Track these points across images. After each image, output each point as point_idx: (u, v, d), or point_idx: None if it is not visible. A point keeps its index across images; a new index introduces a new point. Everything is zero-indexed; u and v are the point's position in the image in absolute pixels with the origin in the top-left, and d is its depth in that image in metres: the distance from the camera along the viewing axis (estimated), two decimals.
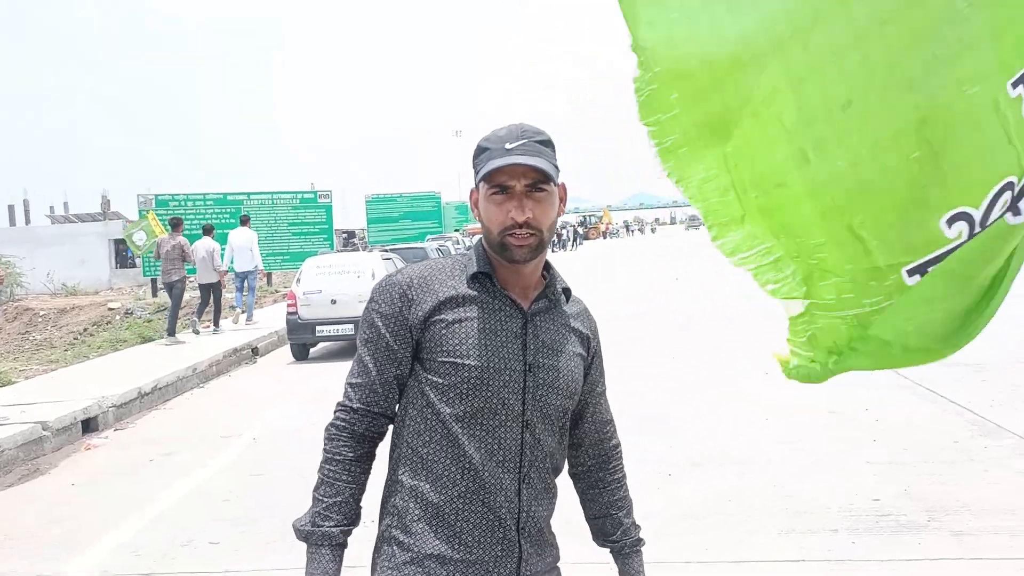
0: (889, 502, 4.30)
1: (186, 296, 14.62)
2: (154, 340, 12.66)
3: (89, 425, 7.39)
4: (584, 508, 1.76)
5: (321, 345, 11.82)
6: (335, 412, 1.57)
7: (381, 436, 1.58)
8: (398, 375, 1.55)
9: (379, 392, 1.54)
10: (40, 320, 17.31)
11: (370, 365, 1.55)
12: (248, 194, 23.16)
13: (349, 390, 1.57)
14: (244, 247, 14.40)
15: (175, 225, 13.14)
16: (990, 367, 7.33)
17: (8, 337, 15.95)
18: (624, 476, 1.76)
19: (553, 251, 45.65)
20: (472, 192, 1.57)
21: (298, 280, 11.53)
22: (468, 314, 1.51)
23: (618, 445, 1.77)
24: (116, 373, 9.47)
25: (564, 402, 1.57)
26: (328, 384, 9.08)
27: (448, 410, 1.50)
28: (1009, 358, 7.66)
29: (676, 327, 11.36)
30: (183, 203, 21.98)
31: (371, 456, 1.58)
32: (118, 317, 16.94)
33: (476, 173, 1.51)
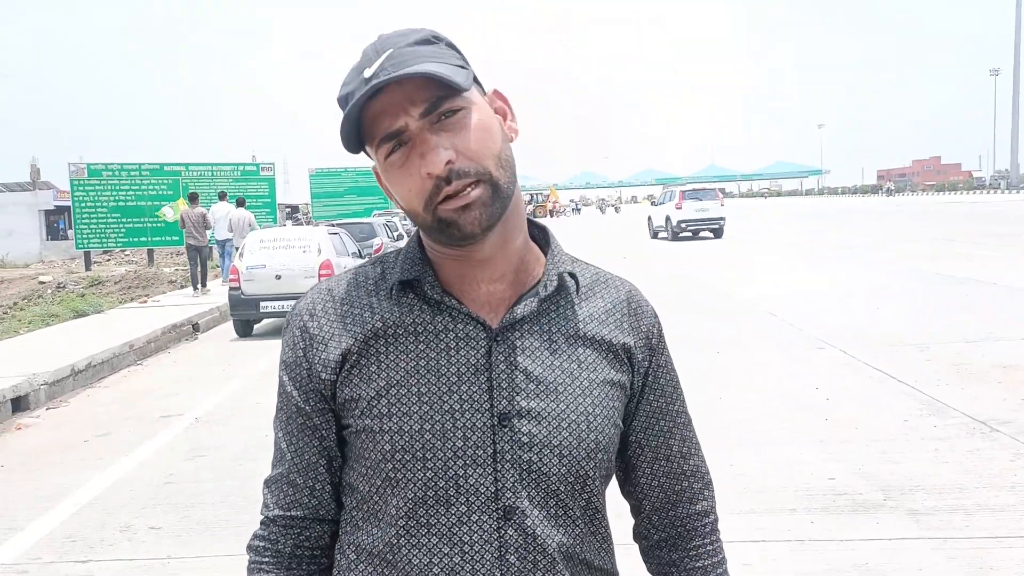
0: (844, 481, 4.32)
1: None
2: (88, 315, 12.17)
3: (19, 404, 7.07)
4: None
5: (266, 321, 11.52)
6: (255, 530, 1.06)
7: (324, 553, 1.04)
8: (326, 455, 1.01)
9: (300, 485, 1.01)
10: None
11: (283, 445, 1.03)
12: (187, 165, 22.49)
13: (265, 491, 1.05)
14: (222, 218, 15.68)
15: (193, 199, 15.17)
16: (934, 346, 7.49)
17: None
18: (718, 565, 1.11)
19: None
20: (375, 172, 1.01)
21: (241, 255, 11.19)
22: (389, 349, 0.97)
23: (708, 512, 1.13)
24: (48, 349, 9.06)
25: (580, 467, 0.97)
26: (274, 362, 8.84)
27: (380, 505, 0.97)
28: (953, 336, 7.85)
29: None
30: (117, 172, 21.22)
31: None
32: (49, 291, 16.26)
33: (349, 139, 0.95)
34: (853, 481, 4.31)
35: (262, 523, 1.04)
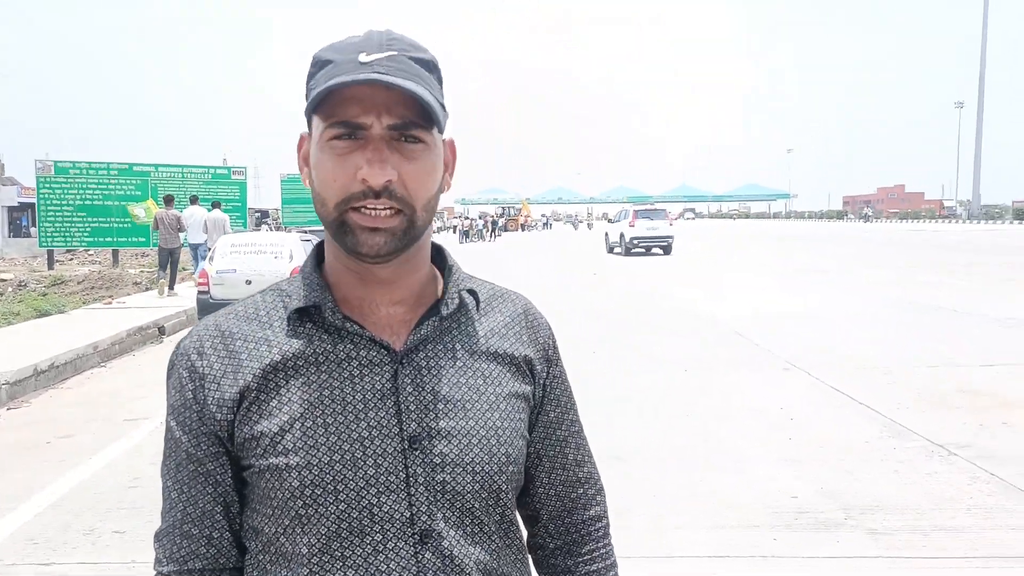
0: (807, 499, 4.40)
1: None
2: (51, 315, 11.96)
3: None
4: None
5: None
6: None
7: None
8: (222, 501, 0.96)
9: (195, 535, 0.96)
10: None
11: (174, 495, 0.97)
12: (156, 165, 22.22)
13: (156, 546, 0.99)
14: (196, 222, 15.96)
15: (168, 201, 15.58)
16: (898, 371, 7.67)
17: None
18: (611, 567, 1.14)
19: (472, 240, 46.23)
20: (301, 139, 0.99)
21: (211, 259, 11.09)
22: (290, 382, 0.94)
23: (600, 518, 1.14)
24: (9, 349, 8.89)
25: (492, 480, 0.97)
26: None
27: (288, 546, 0.93)
28: (917, 362, 8.03)
29: (597, 322, 11.45)
30: (84, 171, 20.90)
31: None
32: (10, 289, 15.94)
33: (308, 102, 0.91)
34: (816, 500, 4.40)
35: None
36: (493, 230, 50.51)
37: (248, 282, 10.57)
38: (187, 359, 0.97)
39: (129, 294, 15.39)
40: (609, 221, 34.29)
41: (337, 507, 0.91)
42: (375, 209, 0.89)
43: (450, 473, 0.94)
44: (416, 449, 0.93)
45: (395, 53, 0.90)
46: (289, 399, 0.93)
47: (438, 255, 1.05)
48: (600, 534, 1.13)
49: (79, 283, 16.78)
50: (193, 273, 16.62)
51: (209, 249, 13.41)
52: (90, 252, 26.17)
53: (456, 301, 1.01)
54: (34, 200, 21.53)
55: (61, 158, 21.10)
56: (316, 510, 0.91)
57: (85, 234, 20.97)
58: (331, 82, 0.87)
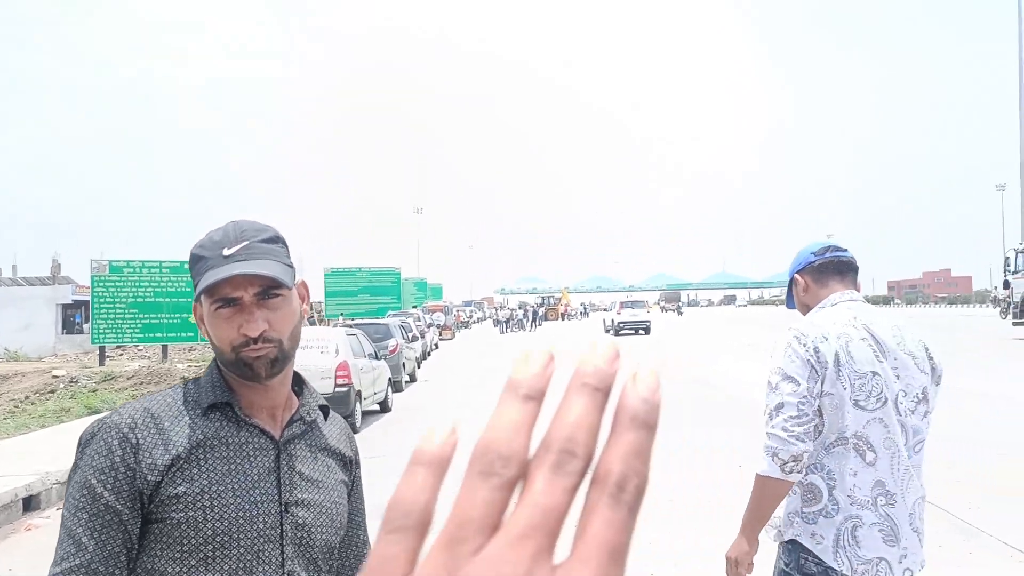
0: None
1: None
2: (101, 411, 12.12)
3: (31, 503, 6.96)
4: None
5: None
6: None
7: None
8: (126, 546, 1.21)
9: (101, 573, 1.18)
10: None
11: (84, 539, 1.18)
12: None
13: None
14: None
15: None
16: (959, 463, 7.34)
17: None
18: None
19: (512, 330, 46.20)
20: (195, 306, 1.33)
21: None
22: (208, 455, 1.25)
23: None
24: (60, 446, 8.98)
25: (331, 539, 1.36)
26: None
27: None
28: (982, 454, 7.68)
29: None
30: (138, 270, 21.54)
31: None
32: (62, 385, 16.26)
33: (195, 286, 1.29)
34: None
35: None
36: (533, 320, 50.58)
37: None
38: (118, 431, 1.23)
39: None
40: (604, 311, 45.33)
41: (238, 551, 1.23)
42: (257, 348, 1.25)
43: (306, 532, 1.31)
44: (288, 512, 1.29)
45: (248, 243, 1.28)
46: (207, 468, 1.24)
47: (297, 378, 1.41)
48: None
49: (129, 378, 17.07)
50: None
51: None
52: (139, 347, 26.72)
53: (316, 412, 1.41)
54: (88, 297, 22.17)
55: (113, 255, 21.83)
56: (223, 552, 1.22)
57: (136, 330, 21.45)
58: (212, 278, 1.23)
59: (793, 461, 2.07)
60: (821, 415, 2.11)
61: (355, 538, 1.48)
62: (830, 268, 2.37)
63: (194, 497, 1.21)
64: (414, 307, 35.06)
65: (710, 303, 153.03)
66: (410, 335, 19.82)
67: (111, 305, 21.10)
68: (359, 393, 11.10)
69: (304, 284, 1.38)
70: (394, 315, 25.46)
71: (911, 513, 2.13)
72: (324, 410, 1.43)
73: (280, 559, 1.27)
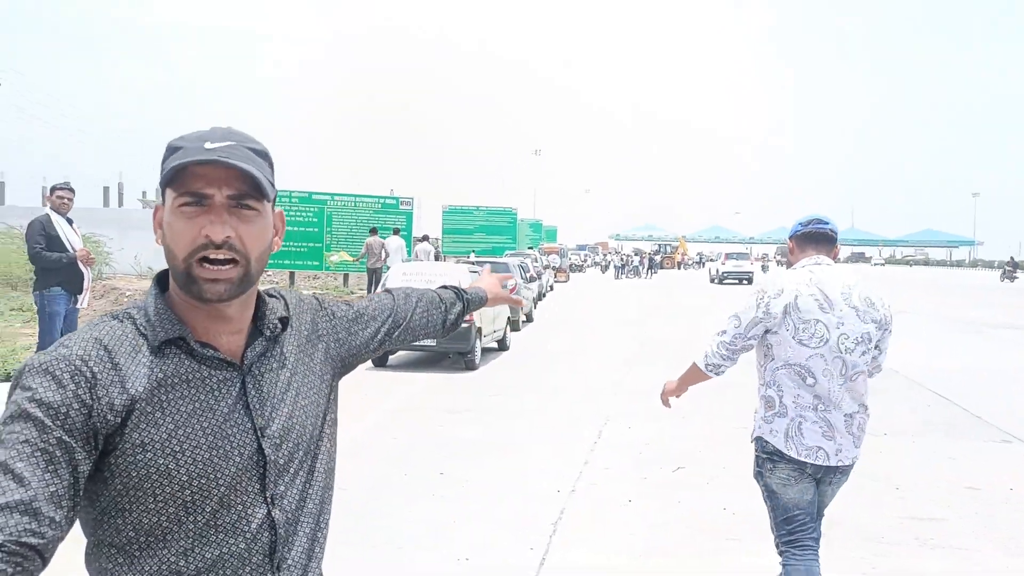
0: None
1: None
2: None
3: None
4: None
5: (400, 353, 11.61)
6: None
7: None
8: (73, 490, 1.06)
9: (43, 514, 1.02)
10: (126, 300, 17.64)
11: (27, 474, 1.02)
12: (332, 195, 23.40)
13: None
14: (396, 250, 19.13)
15: (373, 231, 19.67)
16: None
17: (95, 314, 16.26)
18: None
19: (627, 276, 45.66)
20: (156, 209, 1.20)
21: (383, 286, 11.36)
22: (170, 396, 1.14)
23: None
24: None
25: (308, 447, 1.28)
26: (408, 395, 8.83)
27: (170, 528, 1.13)
28: None
29: None
30: (277, 195, 22.21)
31: None
32: None
33: (161, 178, 1.15)
34: None
35: None
36: (650, 267, 49.71)
37: None
38: (69, 363, 1.09)
39: None
40: (710, 261, 52.52)
41: (219, 491, 1.15)
42: (217, 261, 1.12)
43: (284, 448, 1.23)
44: (264, 436, 1.21)
45: (234, 143, 1.15)
46: (171, 410, 1.14)
47: (257, 300, 1.28)
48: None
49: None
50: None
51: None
52: (268, 272, 27.91)
53: (275, 326, 1.28)
54: None
55: None
56: (202, 496, 1.14)
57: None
58: (183, 160, 1.11)
59: (714, 367, 3.12)
60: (771, 347, 2.98)
61: (406, 317, 1.62)
62: (809, 238, 3.14)
63: (162, 443, 1.12)
64: (530, 247, 34.99)
65: (836, 259, 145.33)
66: (527, 275, 19.75)
67: None
68: (479, 330, 11.08)
69: (281, 215, 1.28)
70: (512, 255, 25.45)
71: (846, 421, 2.94)
72: (284, 322, 1.31)
73: (260, 486, 1.20)
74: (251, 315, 1.26)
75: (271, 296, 1.33)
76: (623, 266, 47.54)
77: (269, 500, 1.21)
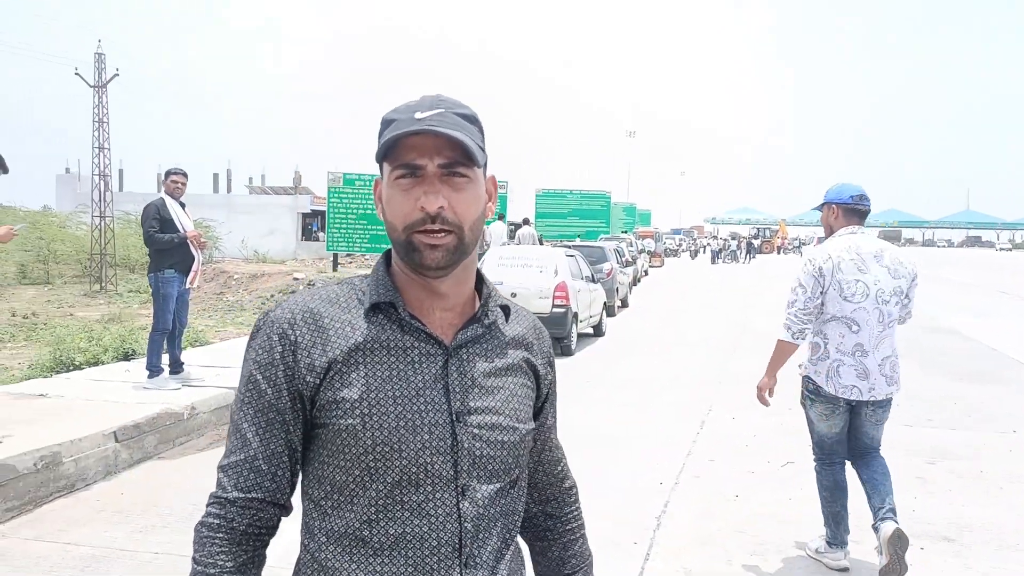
0: None
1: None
2: None
3: None
4: (534, 565, 1.45)
5: None
6: (207, 507, 1.18)
7: (271, 532, 1.20)
8: (289, 446, 1.17)
9: (264, 471, 1.16)
10: (234, 283, 18.35)
11: (249, 435, 1.16)
12: None
13: (221, 475, 1.18)
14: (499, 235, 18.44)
15: None
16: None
17: (205, 296, 16.98)
18: (582, 526, 1.46)
19: (724, 261, 44.53)
20: (376, 183, 1.23)
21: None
22: (368, 360, 1.16)
23: (573, 487, 1.47)
24: None
25: (513, 450, 1.22)
26: None
27: (357, 491, 1.15)
28: None
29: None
30: (369, 183, 22.62)
31: (259, 562, 1.19)
32: (302, 287, 17.65)
33: (377, 152, 1.17)
34: None
35: (217, 503, 1.16)
36: (748, 252, 48.34)
37: (513, 295, 10.68)
38: (279, 327, 1.16)
39: None
40: (804, 245, 55.73)
41: (400, 462, 1.13)
42: (432, 231, 1.13)
43: (484, 442, 1.18)
44: (460, 422, 1.17)
45: (443, 111, 1.15)
46: (366, 373, 1.15)
47: (478, 276, 1.27)
48: (574, 499, 1.46)
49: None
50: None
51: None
52: (366, 257, 28.50)
53: (495, 313, 1.25)
54: (323, 208, 23.74)
55: (349, 170, 23.15)
56: (384, 464, 1.13)
57: (364, 240, 22.74)
58: (394, 133, 1.12)
59: (799, 332, 3.74)
60: (823, 304, 3.69)
61: (545, 447, 1.40)
62: (855, 212, 3.82)
63: (352, 404, 1.14)
64: (624, 232, 34.54)
65: (949, 243, 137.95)
66: (623, 259, 19.46)
67: (344, 216, 22.44)
68: (575, 315, 10.96)
69: (494, 180, 1.25)
70: (606, 239, 25.17)
71: (880, 364, 3.66)
72: (505, 310, 1.28)
73: (452, 473, 1.16)
74: (466, 295, 1.24)
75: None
76: (720, 251, 46.39)
77: (459, 490, 1.17)
